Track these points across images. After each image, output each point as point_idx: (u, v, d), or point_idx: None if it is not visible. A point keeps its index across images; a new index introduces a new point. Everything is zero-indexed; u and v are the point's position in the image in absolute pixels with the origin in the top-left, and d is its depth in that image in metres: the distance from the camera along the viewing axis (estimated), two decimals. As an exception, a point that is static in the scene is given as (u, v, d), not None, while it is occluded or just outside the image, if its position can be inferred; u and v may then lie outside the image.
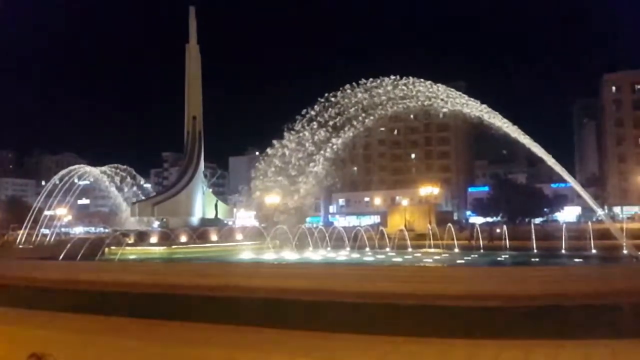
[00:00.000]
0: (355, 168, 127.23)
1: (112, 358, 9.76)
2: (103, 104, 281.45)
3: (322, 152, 39.49)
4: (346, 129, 37.96)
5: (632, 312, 10.63)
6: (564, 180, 33.59)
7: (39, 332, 11.44)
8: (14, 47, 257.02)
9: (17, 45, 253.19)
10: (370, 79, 32.32)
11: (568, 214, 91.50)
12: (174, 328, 11.71)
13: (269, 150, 39.42)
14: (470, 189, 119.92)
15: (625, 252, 24.02)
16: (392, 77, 31.00)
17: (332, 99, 35.26)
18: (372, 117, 36.44)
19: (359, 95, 33.85)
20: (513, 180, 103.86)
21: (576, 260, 22.94)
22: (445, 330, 10.01)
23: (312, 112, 36.64)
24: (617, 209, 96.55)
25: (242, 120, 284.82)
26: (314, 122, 37.20)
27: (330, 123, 37.27)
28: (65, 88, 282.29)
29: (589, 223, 31.44)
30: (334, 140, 39.10)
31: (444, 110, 31.52)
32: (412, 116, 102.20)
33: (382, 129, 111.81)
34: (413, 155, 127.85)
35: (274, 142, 38.80)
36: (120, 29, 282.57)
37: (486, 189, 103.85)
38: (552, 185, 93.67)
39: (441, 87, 28.97)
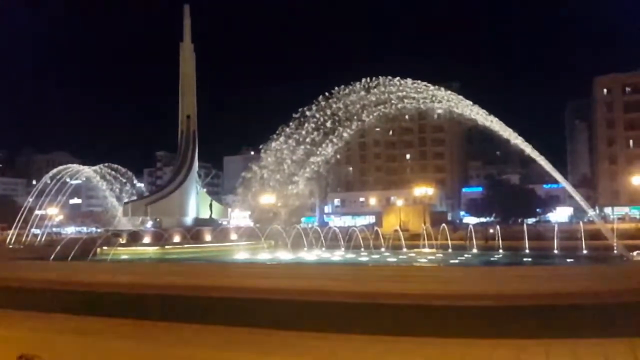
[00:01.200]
0: (351, 168, 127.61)
1: (103, 359, 9.69)
2: (96, 103, 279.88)
3: (317, 152, 39.52)
4: (341, 129, 38.03)
5: (621, 311, 10.71)
6: (556, 181, 33.84)
7: (29, 334, 11.34)
8: (3, 45, 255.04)
9: (8, 43, 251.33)
10: (364, 80, 32.38)
11: (560, 215, 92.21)
12: (166, 329, 11.65)
13: (264, 150, 39.38)
14: (464, 190, 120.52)
15: (615, 252, 24.23)
16: (387, 77, 31.09)
17: (328, 100, 35.32)
18: (367, 118, 36.53)
19: (356, 96, 33.92)
20: (506, 181, 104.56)
21: (568, 260, 23.09)
22: (439, 330, 10.03)
23: (308, 112, 36.66)
24: (608, 210, 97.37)
25: (237, 120, 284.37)
26: (310, 122, 37.22)
27: (326, 123, 37.33)
28: (57, 86, 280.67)
29: (581, 223, 31.68)
30: (329, 140, 39.14)
31: (439, 111, 31.65)
32: (407, 117, 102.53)
33: (377, 129, 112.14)
34: (408, 156, 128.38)
35: (269, 142, 38.76)
36: (113, 26, 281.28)
37: (480, 189, 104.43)
38: (545, 186, 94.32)
39: (436, 88, 29.10)
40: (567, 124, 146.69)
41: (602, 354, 7.92)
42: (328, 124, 37.49)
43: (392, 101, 32.00)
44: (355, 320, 11.06)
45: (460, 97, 28.43)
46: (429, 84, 28.97)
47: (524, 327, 10.07)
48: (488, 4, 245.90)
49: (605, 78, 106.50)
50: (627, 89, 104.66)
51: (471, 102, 27.62)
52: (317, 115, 36.71)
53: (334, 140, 39.09)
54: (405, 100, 30.76)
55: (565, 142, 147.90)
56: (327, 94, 35.19)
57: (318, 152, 39.53)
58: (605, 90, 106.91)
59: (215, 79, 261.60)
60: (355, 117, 36.79)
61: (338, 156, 40.79)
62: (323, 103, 35.78)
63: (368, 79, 32.02)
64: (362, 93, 33.38)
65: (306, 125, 37.34)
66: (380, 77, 31.42)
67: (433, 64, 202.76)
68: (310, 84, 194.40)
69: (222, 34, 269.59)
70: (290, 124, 37.54)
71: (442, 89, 29.04)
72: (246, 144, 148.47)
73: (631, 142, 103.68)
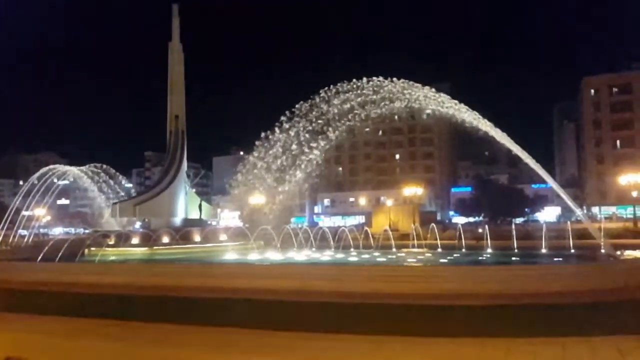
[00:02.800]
0: (341, 168, 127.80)
1: (90, 360, 9.60)
2: (84, 102, 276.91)
3: (306, 152, 39.51)
4: (331, 129, 38.09)
5: (608, 310, 10.85)
6: (544, 181, 34.20)
7: (16, 335, 11.19)
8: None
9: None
10: (354, 80, 32.51)
11: (548, 214, 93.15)
12: (155, 329, 11.57)
13: (254, 151, 39.30)
14: (453, 190, 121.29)
15: (603, 251, 24.54)
16: (378, 78, 31.20)
17: (318, 100, 35.34)
18: (357, 118, 36.62)
19: (346, 95, 34.00)
20: (495, 181, 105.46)
21: (555, 259, 23.33)
22: (428, 329, 10.08)
23: (299, 112, 36.65)
24: (595, 209, 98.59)
25: (226, 120, 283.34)
26: (300, 122, 37.20)
27: (316, 124, 37.35)
28: (43, 85, 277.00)
29: (568, 223, 31.99)
30: (319, 140, 39.17)
31: (428, 111, 31.86)
32: (396, 117, 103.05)
33: (367, 129, 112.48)
34: (397, 156, 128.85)
35: (259, 142, 38.68)
36: (102, 25, 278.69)
37: (469, 189, 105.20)
38: (533, 185, 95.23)
39: (427, 89, 29.29)
40: (555, 124, 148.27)
41: (589, 352, 8.02)
42: (318, 124, 37.55)
43: (384, 102, 32.15)
44: (343, 320, 11.08)
45: (450, 97, 28.67)
46: (418, 84, 29.16)
47: (513, 326, 10.16)
48: (478, 6, 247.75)
49: (592, 79, 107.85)
50: (614, 89, 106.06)
51: (461, 103, 27.86)
52: (308, 115, 36.75)
53: (324, 140, 39.15)
54: (397, 101, 30.93)
55: (553, 142, 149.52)
56: (317, 94, 35.28)
57: (308, 152, 39.54)
58: (592, 91, 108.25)
59: (205, 79, 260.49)
60: (345, 117, 36.89)
61: (328, 156, 40.84)
62: (313, 103, 35.84)
63: (359, 79, 32.18)
64: (352, 93, 33.50)
65: (296, 125, 37.35)
66: (373, 77, 31.57)
67: (424, 64, 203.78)
68: (301, 84, 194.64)
69: (212, 34, 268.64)
70: (280, 124, 37.55)
71: (433, 89, 29.23)
72: (236, 144, 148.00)
73: (618, 142, 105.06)
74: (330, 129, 38.03)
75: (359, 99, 33.70)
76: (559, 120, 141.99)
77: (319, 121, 37.24)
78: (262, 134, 38.49)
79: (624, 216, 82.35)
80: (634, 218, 61.05)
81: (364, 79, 31.51)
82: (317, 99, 35.47)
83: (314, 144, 39.29)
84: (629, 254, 22.31)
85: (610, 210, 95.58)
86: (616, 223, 64.40)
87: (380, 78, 30.92)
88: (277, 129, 37.75)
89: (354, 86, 32.97)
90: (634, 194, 60.85)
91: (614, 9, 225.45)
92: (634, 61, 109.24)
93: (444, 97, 28.46)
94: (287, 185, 40.91)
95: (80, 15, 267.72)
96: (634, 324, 9.96)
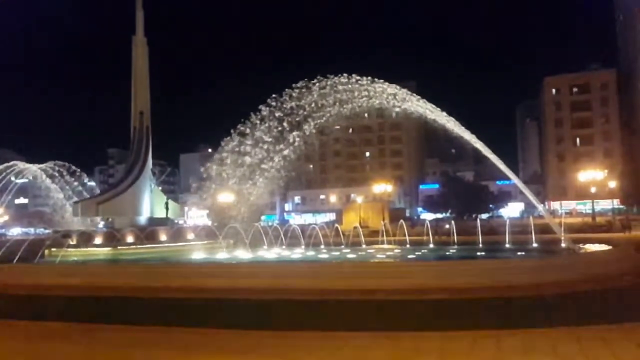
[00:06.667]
0: (311, 166, 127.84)
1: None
2: (43, 97, 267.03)
3: (276, 149, 39.23)
4: (301, 127, 37.94)
5: (567, 301, 11.19)
6: (508, 178, 35.03)
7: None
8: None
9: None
10: (319, 76, 32.51)
11: (512, 210, 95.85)
12: (119, 332, 11.23)
13: (222, 147, 38.72)
14: (421, 187, 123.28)
15: (563, 245, 25.40)
16: (344, 76, 31.27)
17: (287, 97, 35.14)
18: (326, 116, 36.61)
19: (314, 93, 33.92)
20: (461, 178, 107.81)
21: (518, 253, 23.98)
22: (394, 324, 10.16)
23: (267, 110, 36.33)
24: (556, 205, 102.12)
25: (193, 117, 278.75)
26: (269, 120, 36.90)
27: (286, 121, 37.12)
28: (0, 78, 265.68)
29: (531, 218, 32.90)
30: (289, 138, 38.95)
31: (396, 109, 32.15)
32: (366, 115, 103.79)
33: (337, 127, 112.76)
34: (367, 154, 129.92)
35: (227, 139, 38.14)
36: (63, 17, 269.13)
37: (436, 186, 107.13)
38: (497, 182, 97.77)
39: (394, 87, 29.53)
40: (518, 123, 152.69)
41: (550, 344, 8.23)
42: (287, 122, 37.35)
43: (354, 100, 32.25)
44: (311, 317, 11.04)
45: (417, 96, 29.01)
46: (385, 82, 29.39)
47: (476, 320, 10.35)
48: (443, 6, 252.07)
49: (553, 79, 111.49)
50: (575, 89, 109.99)
51: (427, 101, 28.25)
52: (277, 114, 36.50)
53: (294, 138, 38.97)
54: (371, 100, 31.06)
55: (517, 140, 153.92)
56: (285, 91, 35.08)
57: (277, 150, 39.28)
58: (554, 90, 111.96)
59: (171, 75, 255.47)
60: (314, 115, 36.83)
61: (298, 154, 40.69)
62: (282, 100, 35.61)
63: (325, 77, 32.17)
64: (322, 91, 33.45)
65: (265, 122, 37.05)
66: (340, 75, 31.60)
67: (389, 62, 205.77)
68: (268, 81, 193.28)
69: (178, 29, 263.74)
70: (249, 121, 37.15)
71: (398, 87, 29.51)
72: (203, 141, 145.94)
73: (578, 140, 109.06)
74: (300, 126, 37.89)
75: (331, 97, 33.70)
76: (522, 119, 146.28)
77: (289, 118, 37.05)
78: (232, 131, 38.02)
79: (584, 211, 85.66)
80: (593, 213, 63.63)
81: (340, 76, 31.52)
82: (287, 96, 35.28)
83: (283, 142, 39.06)
84: (588, 247, 23.14)
85: (571, 205, 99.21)
86: (576, 218, 66.94)
87: (349, 75, 31.01)
88: (246, 126, 37.34)
89: (324, 84, 32.94)
90: (593, 190, 63.35)
91: (574, 11, 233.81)
92: (593, 62, 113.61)
93: (409, 95, 28.81)
94: (256, 182, 40.53)
95: (40, 5, 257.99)
96: (599, 314, 10.35)
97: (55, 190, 47.22)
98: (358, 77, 30.54)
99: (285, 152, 39.46)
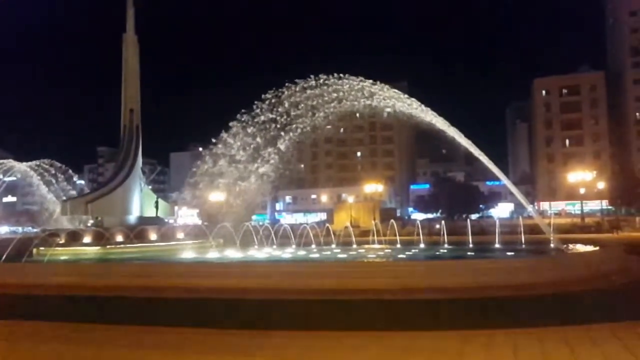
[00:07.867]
0: (302, 165, 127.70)
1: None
2: (32, 94, 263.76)
3: (268, 149, 39.17)
4: (293, 126, 37.91)
5: (557, 301, 11.29)
6: (498, 179, 35.29)
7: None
8: None
9: None
10: (312, 76, 32.49)
11: (502, 210, 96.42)
12: (108, 331, 11.10)
13: (213, 146, 38.56)
14: (412, 187, 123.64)
15: (552, 245, 25.62)
16: (336, 75, 31.27)
17: (278, 97, 35.10)
18: (318, 116, 36.60)
19: (307, 92, 33.89)
20: (452, 179, 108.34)
21: (507, 253, 24.13)
22: (388, 323, 10.17)
23: (258, 109, 36.27)
24: (545, 205, 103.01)
25: (184, 115, 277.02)
26: (260, 119, 36.82)
27: (277, 120, 37.08)
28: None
29: (520, 219, 33.22)
30: (280, 137, 38.90)
31: (388, 109, 32.22)
32: (357, 115, 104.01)
33: (329, 127, 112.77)
34: (359, 154, 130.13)
35: (219, 138, 38.00)
36: (53, 13, 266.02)
37: (427, 186, 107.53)
38: (488, 183, 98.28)
39: (385, 87, 29.58)
40: (508, 124, 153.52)
41: (538, 343, 8.28)
42: (279, 121, 37.30)
43: (346, 100, 32.27)
44: (302, 317, 11.02)
45: (408, 96, 29.09)
46: (376, 82, 29.45)
47: (467, 319, 10.40)
48: (433, 6, 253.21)
49: (543, 80, 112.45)
50: (564, 90, 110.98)
51: (420, 103, 28.33)
52: (269, 114, 36.42)
53: (285, 137, 38.92)
54: (362, 99, 31.09)
55: (507, 141, 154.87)
56: (276, 90, 35.02)
57: (269, 149, 39.21)
58: (543, 92, 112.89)
59: (162, 73, 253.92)
60: (306, 115, 36.80)
61: (289, 153, 40.68)
62: (274, 100, 35.55)
63: (317, 76, 32.16)
64: (314, 90, 33.42)
65: (256, 122, 36.97)
66: (331, 75, 31.61)
67: (381, 63, 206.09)
68: (260, 80, 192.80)
69: (169, 26, 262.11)
70: (240, 120, 37.05)
71: (389, 87, 29.58)
72: (194, 139, 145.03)
73: (567, 141, 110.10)
74: (291, 126, 37.85)
75: (323, 97, 33.70)
76: (512, 120, 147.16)
77: (281, 118, 37.01)
78: (223, 130, 37.88)
79: (573, 212, 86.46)
80: (582, 214, 64.25)
81: (331, 76, 31.53)
82: (278, 96, 35.22)
83: (275, 141, 39.00)
84: (576, 248, 23.35)
85: (560, 206, 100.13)
86: (565, 219, 67.62)
87: (341, 75, 31.01)
88: (237, 126, 37.23)
89: (317, 83, 32.93)
90: (582, 190, 63.96)
91: (564, 14, 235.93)
92: (582, 64, 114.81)
93: (401, 96, 28.89)
94: (247, 182, 40.42)
95: (30, 6, 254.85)
96: (583, 313, 10.42)
97: (44, 189, 46.67)
98: (350, 77, 30.59)
99: (276, 152, 39.42)
